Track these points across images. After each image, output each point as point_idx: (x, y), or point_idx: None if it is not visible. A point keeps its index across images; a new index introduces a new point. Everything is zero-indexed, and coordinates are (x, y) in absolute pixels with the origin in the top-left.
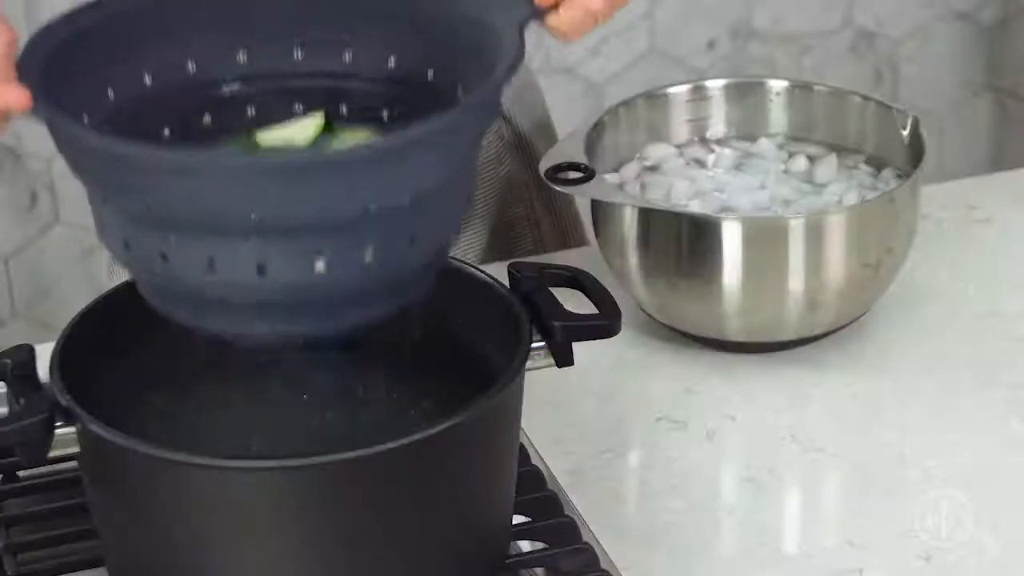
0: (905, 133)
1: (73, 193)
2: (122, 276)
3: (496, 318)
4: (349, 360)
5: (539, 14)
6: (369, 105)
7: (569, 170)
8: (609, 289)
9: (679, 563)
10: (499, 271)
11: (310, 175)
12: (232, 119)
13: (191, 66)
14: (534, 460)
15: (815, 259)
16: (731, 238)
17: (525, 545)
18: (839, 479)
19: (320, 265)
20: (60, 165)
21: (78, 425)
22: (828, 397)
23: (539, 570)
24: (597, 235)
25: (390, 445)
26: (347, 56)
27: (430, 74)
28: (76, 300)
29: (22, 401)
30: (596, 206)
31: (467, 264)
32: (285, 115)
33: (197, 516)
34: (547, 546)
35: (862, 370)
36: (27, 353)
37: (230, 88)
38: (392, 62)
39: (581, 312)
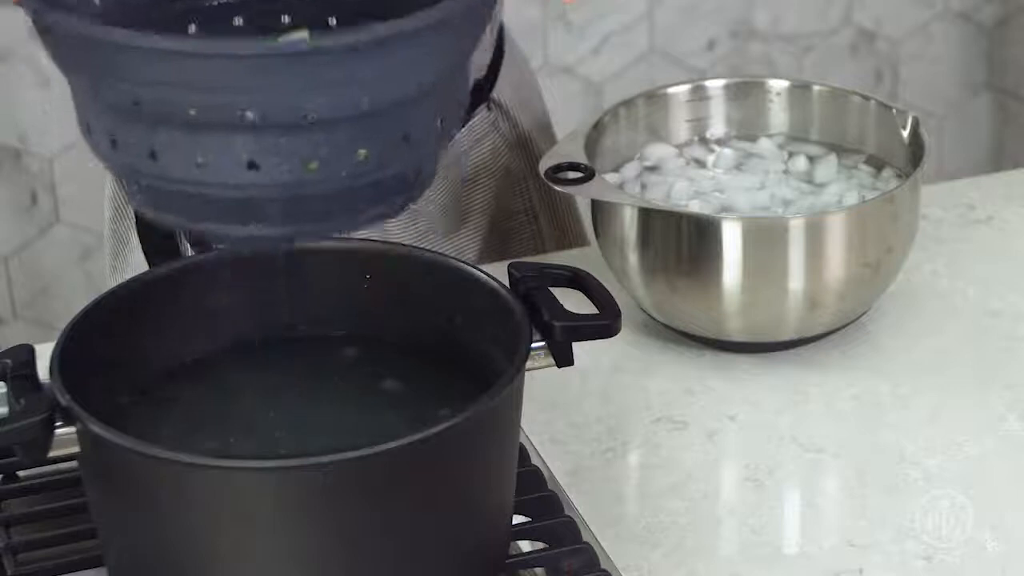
0: (905, 133)
1: (73, 193)
2: (123, 276)
3: (496, 318)
4: (349, 360)
5: None
6: (359, 15)
7: (569, 170)
8: (609, 289)
9: (679, 563)
10: (499, 271)
11: (303, 64)
12: (219, 30)
13: None
14: (534, 460)
15: (815, 259)
16: (731, 238)
17: (525, 545)
18: (839, 479)
19: (313, 164)
20: (60, 165)
21: (78, 425)
22: (828, 397)
23: (539, 570)
24: (597, 235)
25: (390, 445)
26: None
27: None
28: (76, 300)
29: (22, 401)
30: (596, 206)
31: (467, 264)
32: (272, 27)
33: (197, 516)
34: (547, 546)
35: (862, 370)
36: (27, 353)
37: None
38: None
39: (581, 312)
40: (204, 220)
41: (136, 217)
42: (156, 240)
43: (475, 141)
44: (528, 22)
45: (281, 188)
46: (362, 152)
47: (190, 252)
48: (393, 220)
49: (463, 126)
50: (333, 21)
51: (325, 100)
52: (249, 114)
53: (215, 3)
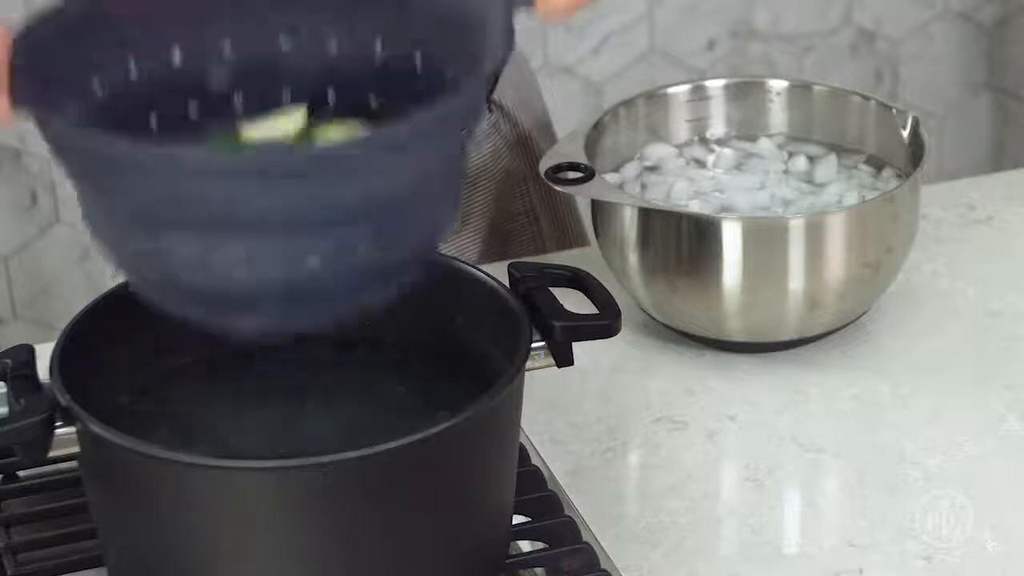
0: (905, 133)
1: (73, 193)
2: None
3: (496, 318)
4: (348, 360)
5: None
6: (356, 91)
7: (569, 170)
8: (609, 289)
9: (679, 563)
10: (499, 271)
11: (299, 173)
12: (219, 107)
13: (177, 54)
14: (534, 460)
15: (815, 259)
16: (731, 238)
17: (525, 545)
18: (839, 479)
19: (313, 261)
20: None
21: (78, 425)
22: (828, 397)
23: (539, 570)
24: (597, 235)
25: (390, 445)
26: (334, 42)
27: (417, 59)
28: (76, 300)
29: (22, 401)
30: (596, 206)
31: (467, 264)
32: (273, 102)
33: (197, 516)
34: (547, 546)
35: (862, 370)
36: (27, 353)
37: (217, 75)
38: (379, 46)
39: (581, 312)
40: (207, 312)
41: None
42: None
43: (476, 143)
44: (528, 22)
45: (281, 283)
46: (362, 246)
47: None
48: None
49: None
50: (332, 95)
51: (319, 205)
52: (248, 217)
53: (214, 81)
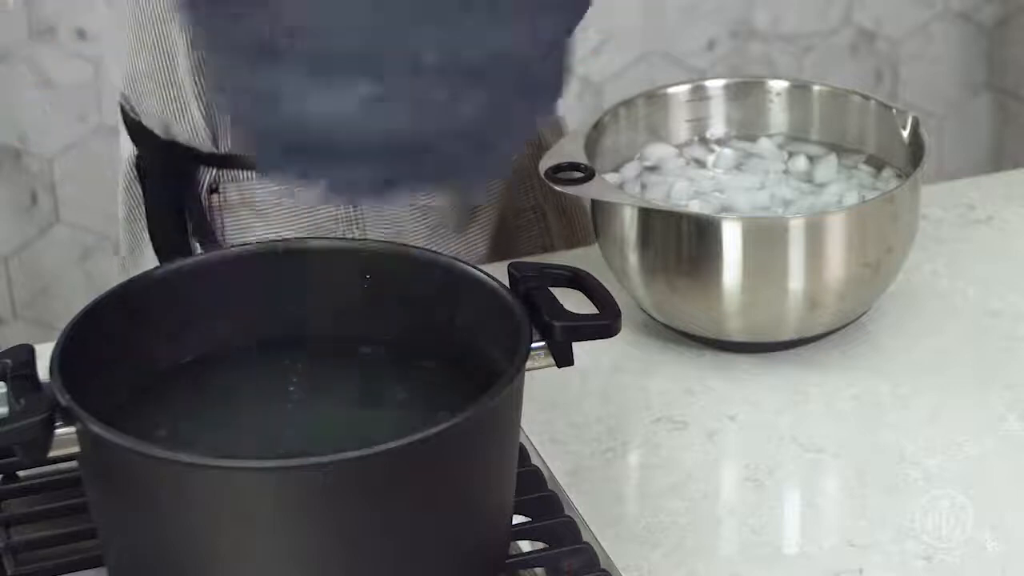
0: (905, 133)
1: (73, 193)
2: (130, 272)
3: (496, 318)
4: (349, 360)
5: None
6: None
7: (569, 170)
8: (609, 289)
9: (679, 563)
10: (499, 271)
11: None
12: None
13: None
14: (534, 460)
15: (815, 259)
16: (731, 238)
17: (525, 545)
18: (839, 479)
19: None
20: (60, 165)
21: (78, 425)
22: (828, 397)
23: (539, 570)
24: (597, 235)
25: (390, 445)
26: None
27: None
28: (76, 300)
29: (22, 401)
30: (596, 206)
31: (467, 264)
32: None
33: (197, 516)
34: (547, 546)
35: (862, 370)
36: (27, 353)
37: None
38: None
39: (581, 312)
40: (319, 165)
41: (148, 216)
42: (167, 239)
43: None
44: None
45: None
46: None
47: (199, 251)
48: (406, 215)
49: None
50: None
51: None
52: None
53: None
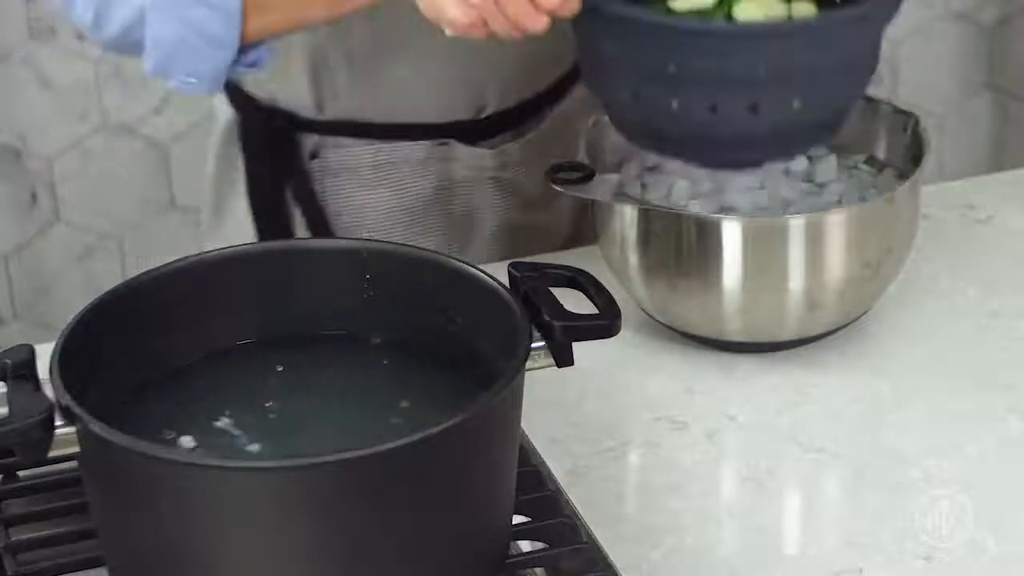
0: (905, 133)
1: (73, 193)
2: (222, 233)
3: (496, 318)
4: (349, 360)
5: None
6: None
7: (569, 170)
8: (609, 289)
9: (679, 563)
10: (499, 271)
11: (798, 38)
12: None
13: None
14: (534, 460)
15: (815, 259)
16: (731, 238)
17: (525, 545)
18: (839, 479)
19: (796, 103)
20: (60, 165)
21: (78, 425)
22: (828, 397)
23: (539, 570)
24: (597, 235)
25: (390, 445)
26: None
27: None
28: (76, 300)
29: (22, 401)
30: (596, 206)
31: (467, 264)
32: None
33: (197, 516)
34: (547, 546)
35: (862, 370)
36: (27, 353)
37: None
38: None
39: (581, 312)
40: (700, 152)
41: (248, 180)
42: (267, 202)
43: None
44: None
45: (772, 124)
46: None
47: (295, 210)
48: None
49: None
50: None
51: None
52: (758, 72)
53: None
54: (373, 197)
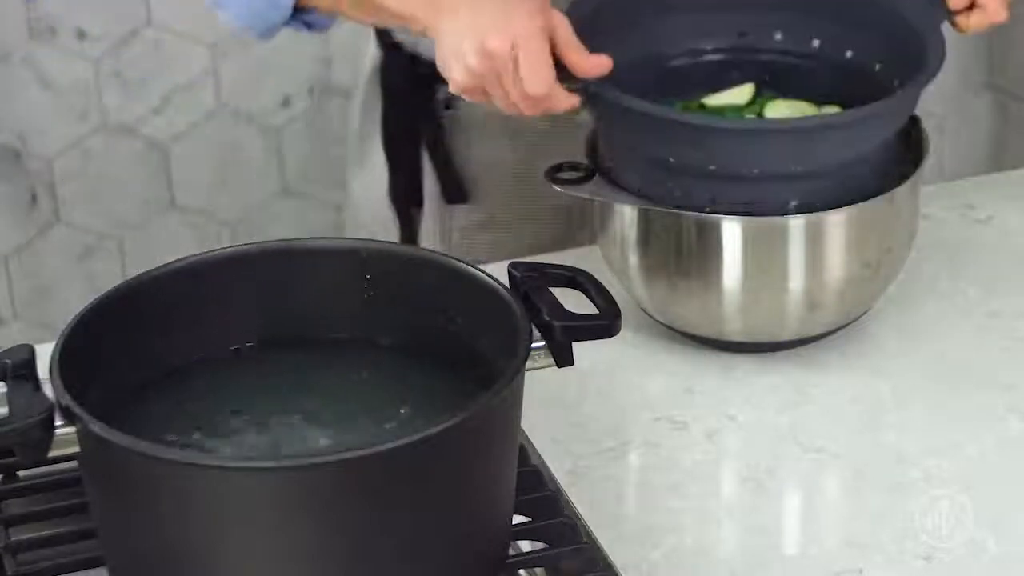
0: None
1: (73, 193)
2: (368, 182)
3: (496, 318)
4: (349, 360)
5: (952, 16)
6: (792, 77)
7: (569, 170)
8: (609, 289)
9: (679, 563)
10: (499, 271)
11: (798, 136)
12: (685, 85)
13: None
14: (534, 460)
15: (815, 259)
16: (731, 238)
17: (525, 545)
18: (839, 479)
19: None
20: (60, 165)
21: (78, 425)
22: (828, 397)
23: (539, 570)
24: (597, 235)
25: (390, 445)
26: (778, 36)
27: (848, 55)
28: (76, 300)
29: (22, 401)
30: (596, 206)
31: (467, 264)
32: (725, 82)
33: (197, 516)
34: (547, 546)
35: (862, 370)
36: (27, 353)
37: (685, 62)
38: (815, 44)
39: (581, 312)
40: None
41: (383, 126)
42: (401, 150)
43: None
44: None
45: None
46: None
47: (426, 164)
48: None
49: None
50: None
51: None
52: (755, 170)
53: (683, 64)
54: (501, 154)
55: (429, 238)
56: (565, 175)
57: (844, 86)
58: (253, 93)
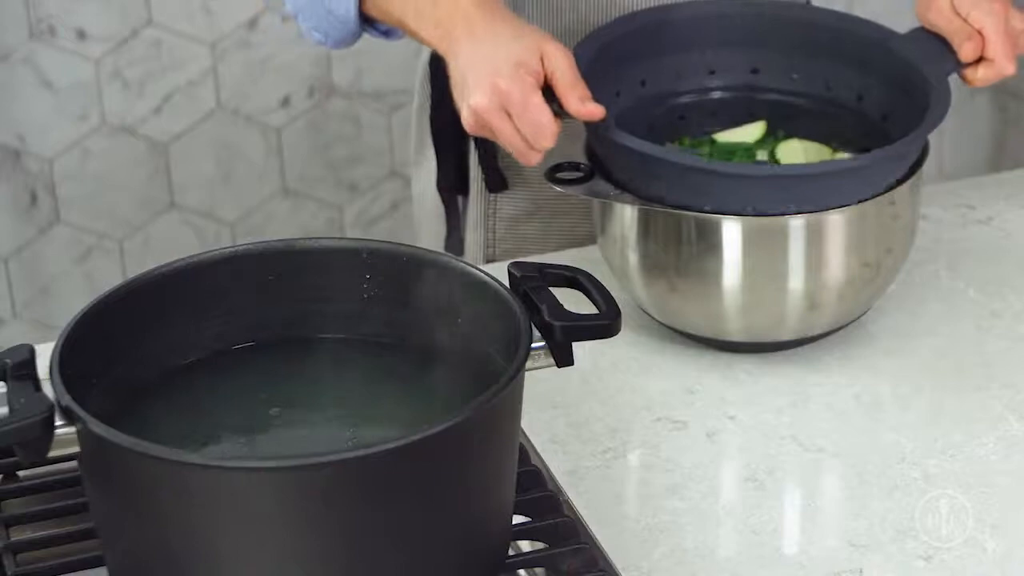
0: None
1: (73, 193)
2: (426, 168)
3: (496, 318)
4: (349, 360)
5: (961, 68)
6: (803, 118)
7: (569, 170)
8: (609, 289)
9: (679, 563)
10: (499, 271)
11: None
12: (697, 120)
13: (676, 77)
14: (534, 460)
15: (815, 259)
16: (731, 238)
17: (525, 545)
18: (839, 479)
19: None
20: (60, 165)
21: (78, 425)
22: (828, 397)
23: (539, 570)
24: (597, 235)
25: (390, 445)
26: (793, 78)
27: (858, 101)
28: (76, 300)
29: (22, 401)
30: (596, 206)
31: (467, 264)
32: (738, 120)
33: (197, 516)
34: (547, 546)
35: (862, 370)
36: (27, 353)
37: (697, 97)
38: (828, 88)
39: (581, 312)
40: None
41: (432, 111)
42: (447, 138)
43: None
44: None
45: None
46: None
47: (474, 151)
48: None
49: None
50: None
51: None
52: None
53: (695, 101)
54: None
55: (473, 228)
56: (565, 175)
57: (849, 128)
58: (253, 93)
